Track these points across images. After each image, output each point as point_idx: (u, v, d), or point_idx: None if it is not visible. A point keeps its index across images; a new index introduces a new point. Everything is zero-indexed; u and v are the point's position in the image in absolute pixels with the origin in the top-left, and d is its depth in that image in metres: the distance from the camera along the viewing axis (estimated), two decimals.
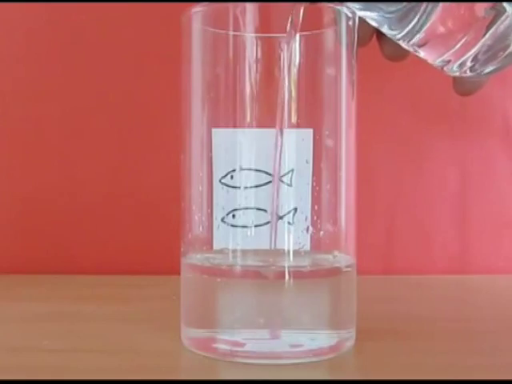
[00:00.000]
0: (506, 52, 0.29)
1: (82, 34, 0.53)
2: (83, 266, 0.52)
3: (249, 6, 0.30)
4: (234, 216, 0.30)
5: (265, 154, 0.29)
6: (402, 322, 0.36)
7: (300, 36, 0.30)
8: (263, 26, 0.30)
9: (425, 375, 0.27)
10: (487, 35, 0.28)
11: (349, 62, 0.31)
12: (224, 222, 0.30)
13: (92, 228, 0.53)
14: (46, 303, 0.41)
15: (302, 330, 0.29)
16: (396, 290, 0.47)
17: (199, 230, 0.31)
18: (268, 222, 0.29)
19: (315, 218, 0.30)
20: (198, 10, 0.31)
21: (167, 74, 0.44)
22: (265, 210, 0.29)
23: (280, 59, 0.29)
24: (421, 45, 0.30)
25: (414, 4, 0.28)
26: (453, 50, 0.29)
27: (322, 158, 0.30)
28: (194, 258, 0.31)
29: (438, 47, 0.29)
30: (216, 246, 0.30)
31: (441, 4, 0.27)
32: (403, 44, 0.30)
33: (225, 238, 0.30)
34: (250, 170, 0.30)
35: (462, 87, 0.35)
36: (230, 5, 0.30)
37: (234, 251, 0.30)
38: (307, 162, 0.30)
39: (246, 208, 0.30)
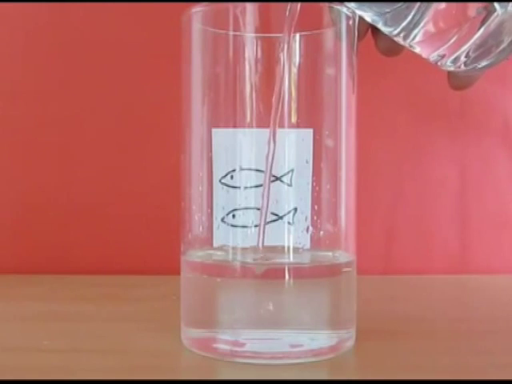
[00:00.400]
0: (500, 48, 0.29)
1: (82, 34, 0.53)
2: (83, 266, 0.52)
3: (249, 5, 0.30)
4: (233, 216, 0.30)
5: (265, 154, 0.29)
6: (402, 322, 0.36)
7: (300, 36, 0.30)
8: (263, 26, 0.30)
9: (425, 375, 0.27)
10: (479, 32, 0.28)
11: (349, 62, 0.31)
12: (224, 221, 0.30)
13: (92, 228, 0.53)
14: (46, 303, 0.41)
15: (302, 329, 0.29)
16: (396, 290, 0.47)
17: (199, 230, 0.31)
18: (268, 222, 0.29)
19: (315, 218, 0.30)
20: (197, 9, 0.31)
21: (167, 74, 0.44)
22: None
23: (280, 59, 0.29)
24: (416, 41, 0.30)
25: (407, 3, 0.28)
26: (447, 45, 0.29)
27: (321, 157, 0.30)
28: (193, 254, 0.31)
29: (433, 42, 0.30)
30: (216, 246, 0.30)
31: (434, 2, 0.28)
32: (399, 40, 0.30)
33: (225, 238, 0.30)
34: (250, 170, 0.30)
35: (457, 81, 0.35)
36: (230, 5, 0.30)
37: (234, 248, 0.30)
38: (307, 161, 0.30)
39: (246, 208, 0.30)
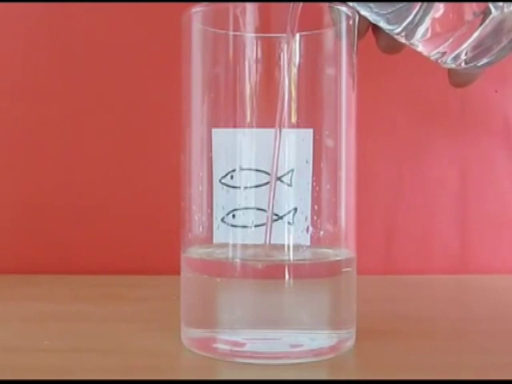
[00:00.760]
0: (500, 46, 0.29)
1: (82, 35, 0.53)
2: (83, 266, 0.52)
3: (249, 5, 0.30)
4: (233, 216, 0.30)
5: (265, 154, 0.29)
6: (402, 322, 0.36)
7: (300, 36, 0.30)
8: (263, 25, 0.30)
9: (425, 375, 0.27)
10: (476, 33, 0.29)
11: (349, 61, 0.31)
12: (224, 221, 0.30)
13: (92, 228, 0.53)
14: (46, 303, 0.41)
15: (302, 329, 0.29)
16: (396, 290, 0.47)
17: (199, 230, 0.31)
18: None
19: (315, 218, 0.30)
20: (197, 9, 0.31)
21: (167, 74, 0.44)
22: (265, 210, 0.29)
23: (280, 59, 0.29)
24: (417, 39, 0.30)
25: (408, 4, 0.28)
26: (448, 43, 0.29)
27: (321, 157, 0.30)
28: (194, 251, 0.31)
29: (434, 41, 0.30)
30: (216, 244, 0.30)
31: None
32: (400, 38, 0.30)
33: (225, 238, 0.30)
34: (250, 170, 0.30)
35: (457, 79, 0.35)
36: (230, 5, 0.30)
37: (234, 245, 0.30)
38: (307, 162, 0.30)
39: (246, 208, 0.30)
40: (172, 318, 0.33)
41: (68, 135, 0.54)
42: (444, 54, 0.30)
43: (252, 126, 0.30)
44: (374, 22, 0.30)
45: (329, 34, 0.31)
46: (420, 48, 0.31)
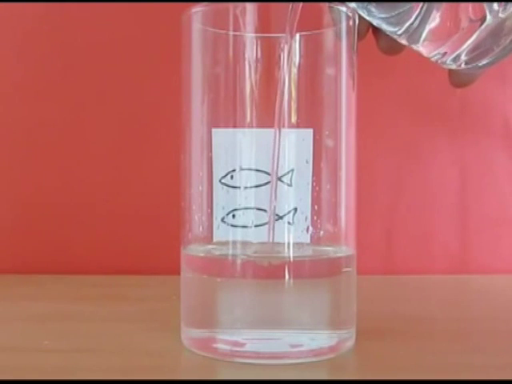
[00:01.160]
0: (500, 47, 0.29)
1: (82, 34, 0.53)
2: (83, 266, 0.52)
3: (249, 5, 0.30)
4: (233, 216, 0.30)
5: (265, 153, 0.29)
6: (402, 322, 0.36)
7: (300, 36, 0.30)
8: (263, 26, 0.30)
9: (425, 375, 0.27)
10: (474, 36, 0.29)
11: (349, 62, 0.31)
12: (224, 221, 0.30)
13: (92, 228, 0.53)
14: (46, 303, 0.41)
15: (302, 329, 0.29)
16: (396, 290, 0.47)
17: (199, 230, 0.31)
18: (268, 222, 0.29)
19: (315, 218, 0.30)
20: (197, 9, 0.31)
21: (167, 74, 0.44)
22: (265, 210, 0.29)
23: (280, 59, 0.29)
24: (419, 41, 0.30)
25: (407, 8, 0.28)
26: (448, 44, 0.29)
27: (322, 157, 0.30)
28: (194, 249, 0.31)
29: (434, 42, 0.30)
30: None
31: (436, 4, 0.28)
32: (401, 40, 0.30)
33: (225, 238, 0.30)
34: (250, 169, 0.30)
35: (458, 79, 0.35)
36: (230, 5, 0.30)
37: (235, 242, 0.30)
38: (307, 162, 0.30)
39: (246, 208, 0.30)
40: (172, 317, 0.33)
41: (68, 135, 0.54)
42: (444, 54, 0.30)
43: (252, 126, 0.30)
44: (376, 25, 0.30)
45: (329, 34, 0.31)
46: (420, 49, 0.31)
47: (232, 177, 0.30)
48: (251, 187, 0.30)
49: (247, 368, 0.28)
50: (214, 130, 0.30)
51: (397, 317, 0.37)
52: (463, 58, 0.30)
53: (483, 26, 0.28)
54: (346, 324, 0.31)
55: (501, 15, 0.28)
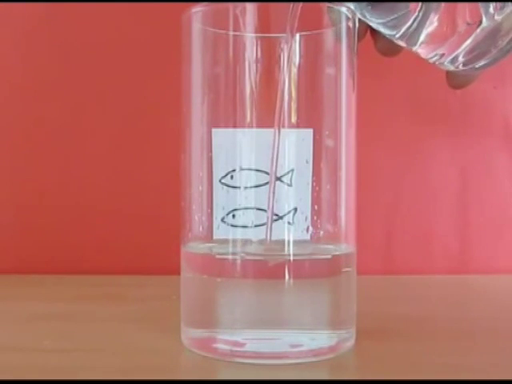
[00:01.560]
0: (497, 48, 0.29)
1: (82, 34, 0.53)
2: (83, 266, 0.53)
3: (249, 5, 0.30)
4: (233, 216, 0.30)
5: (265, 154, 0.29)
6: (402, 322, 0.36)
7: (300, 36, 0.30)
8: (263, 26, 0.30)
9: (425, 375, 0.27)
10: (473, 36, 0.29)
11: (349, 62, 0.31)
12: (224, 221, 0.30)
13: (92, 228, 0.53)
14: (46, 303, 0.41)
15: (302, 330, 0.29)
16: (396, 290, 0.47)
17: (199, 230, 0.31)
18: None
19: (315, 218, 0.30)
20: (197, 9, 0.31)
21: (167, 74, 0.44)
22: (265, 210, 0.29)
23: (280, 59, 0.29)
24: (417, 43, 0.30)
25: (403, 12, 0.28)
26: (445, 46, 0.30)
27: (321, 157, 0.30)
28: (195, 246, 0.31)
29: (432, 44, 0.30)
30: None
31: (433, 7, 0.28)
32: (400, 43, 0.30)
33: (225, 238, 0.30)
34: (250, 170, 0.30)
35: (456, 80, 0.35)
36: (230, 5, 0.30)
37: (235, 240, 0.30)
38: (307, 162, 0.30)
39: (246, 208, 0.30)
40: (172, 317, 0.33)
41: (68, 135, 0.54)
42: (442, 56, 0.31)
43: (252, 126, 0.30)
44: (374, 27, 0.30)
45: (329, 34, 0.31)
46: (418, 51, 0.31)
47: (232, 177, 0.30)
48: (251, 187, 0.30)
49: (247, 368, 0.28)
50: (213, 130, 0.30)
51: (397, 317, 0.37)
52: (461, 59, 0.30)
53: (480, 29, 0.28)
54: (345, 324, 0.31)
55: (496, 18, 0.28)
